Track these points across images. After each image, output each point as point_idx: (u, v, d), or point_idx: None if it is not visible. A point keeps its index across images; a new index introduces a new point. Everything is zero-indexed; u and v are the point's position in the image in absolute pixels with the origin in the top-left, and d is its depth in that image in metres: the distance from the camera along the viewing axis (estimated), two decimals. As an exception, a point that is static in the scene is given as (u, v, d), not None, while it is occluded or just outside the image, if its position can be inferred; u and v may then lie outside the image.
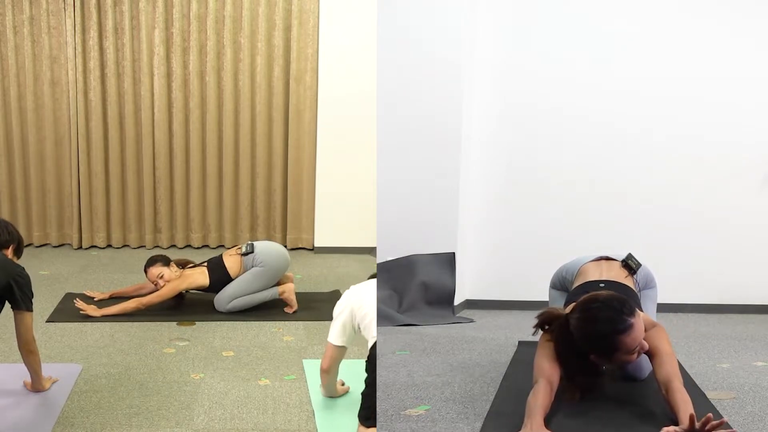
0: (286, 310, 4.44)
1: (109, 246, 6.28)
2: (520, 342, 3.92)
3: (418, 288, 4.79)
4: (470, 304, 5.13)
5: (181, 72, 6.02)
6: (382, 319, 4.48)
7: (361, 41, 5.84)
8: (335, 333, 2.94)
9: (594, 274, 3.18)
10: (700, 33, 4.89)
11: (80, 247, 6.22)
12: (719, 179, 4.95)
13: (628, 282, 3.13)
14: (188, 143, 6.16)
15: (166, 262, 4.45)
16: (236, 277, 4.40)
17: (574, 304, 2.77)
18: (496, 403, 2.83)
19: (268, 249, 4.47)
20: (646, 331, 2.71)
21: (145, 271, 4.47)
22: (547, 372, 2.64)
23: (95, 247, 6.25)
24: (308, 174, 6.18)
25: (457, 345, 3.91)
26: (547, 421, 2.45)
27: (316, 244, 6.26)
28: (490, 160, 5.06)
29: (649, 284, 3.32)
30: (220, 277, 4.39)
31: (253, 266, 4.39)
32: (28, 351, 3.00)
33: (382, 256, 4.92)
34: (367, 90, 5.74)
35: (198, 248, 6.24)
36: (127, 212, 6.25)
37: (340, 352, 2.98)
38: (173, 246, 6.24)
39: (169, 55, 6.01)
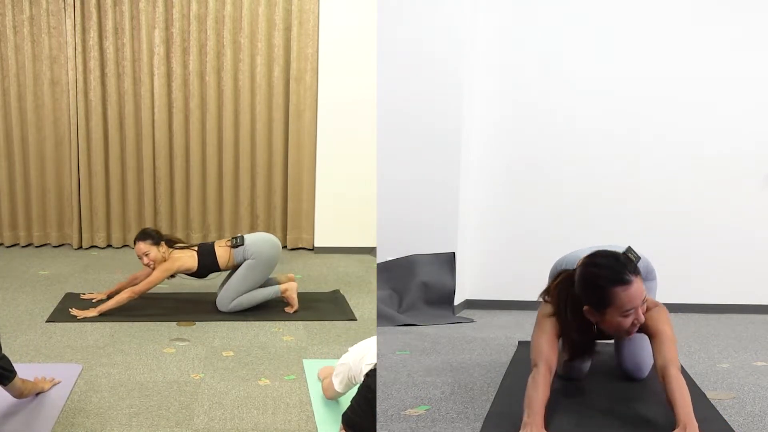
0: (287, 309, 4.43)
1: (109, 246, 6.29)
2: (520, 342, 3.92)
3: (418, 288, 4.80)
4: (470, 304, 5.13)
5: (181, 72, 6.03)
6: (382, 319, 4.48)
7: (361, 41, 5.84)
8: (338, 381, 2.90)
9: None
10: (699, 34, 4.89)
11: (80, 247, 6.22)
12: (719, 180, 4.95)
13: None
14: (188, 143, 6.16)
15: (156, 240, 4.36)
16: (225, 267, 4.37)
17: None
18: (496, 403, 2.83)
19: (258, 241, 4.43)
20: (648, 310, 2.65)
21: (135, 242, 4.43)
22: (545, 353, 2.61)
23: (95, 247, 6.25)
24: (308, 174, 6.18)
25: (457, 345, 3.91)
26: (547, 421, 2.45)
27: (316, 244, 6.26)
28: (490, 160, 5.07)
29: (649, 276, 3.29)
30: (208, 263, 4.35)
31: (244, 259, 4.36)
32: (23, 395, 3.02)
33: (382, 256, 4.92)
34: (367, 90, 5.74)
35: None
36: (127, 212, 6.25)
37: (342, 393, 2.96)
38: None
39: (169, 55, 6.01)
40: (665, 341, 2.59)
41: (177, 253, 4.37)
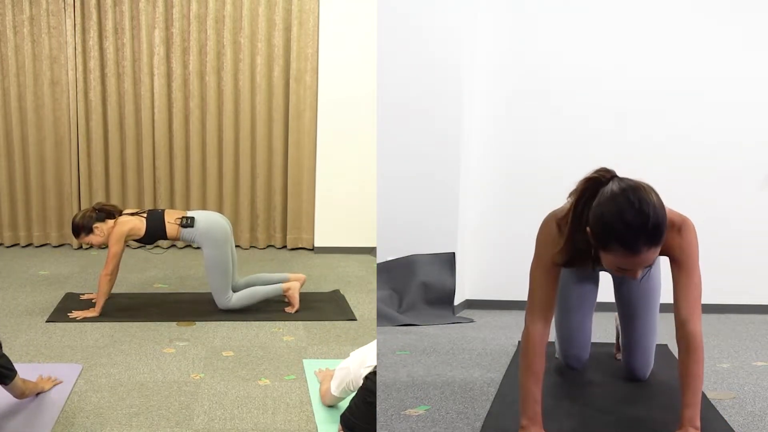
0: (287, 309, 4.43)
1: (109, 246, 6.27)
2: (520, 342, 3.91)
3: (418, 288, 4.80)
4: (470, 304, 5.13)
5: (181, 72, 6.02)
6: (382, 319, 4.48)
7: (361, 41, 5.84)
8: (335, 385, 2.90)
9: None
10: (700, 32, 4.89)
11: (80, 247, 6.22)
12: (719, 179, 4.95)
13: None
14: (188, 143, 6.16)
15: (87, 229, 4.28)
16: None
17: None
18: (496, 403, 2.83)
19: (207, 227, 4.32)
20: (673, 227, 2.35)
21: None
22: (542, 289, 2.36)
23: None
24: (308, 174, 6.18)
25: (457, 345, 3.91)
26: (546, 423, 2.44)
27: (316, 244, 6.26)
28: (490, 160, 5.06)
29: None
30: (155, 231, 4.30)
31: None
32: (24, 395, 3.01)
33: (382, 256, 4.92)
34: (367, 90, 5.74)
35: (197, 248, 6.22)
36: (127, 212, 6.25)
37: (339, 399, 2.95)
38: (173, 246, 6.23)
39: (169, 55, 6.01)
40: (690, 285, 2.29)
41: (124, 218, 4.32)
